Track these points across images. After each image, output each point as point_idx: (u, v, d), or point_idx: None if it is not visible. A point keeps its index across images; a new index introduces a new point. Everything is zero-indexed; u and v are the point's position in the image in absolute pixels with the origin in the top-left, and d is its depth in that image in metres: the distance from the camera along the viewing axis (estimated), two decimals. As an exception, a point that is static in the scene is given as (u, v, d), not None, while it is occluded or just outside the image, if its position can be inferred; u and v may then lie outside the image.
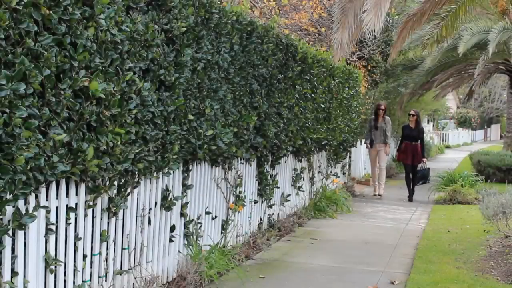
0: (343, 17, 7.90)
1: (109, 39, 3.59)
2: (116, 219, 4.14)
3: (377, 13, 7.00)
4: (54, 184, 3.42)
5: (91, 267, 3.90)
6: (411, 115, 11.45)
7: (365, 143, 12.54)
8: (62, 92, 3.20)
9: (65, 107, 3.24)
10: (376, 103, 12.41)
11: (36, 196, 3.27)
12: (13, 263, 3.15)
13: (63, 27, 3.22)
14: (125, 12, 3.85)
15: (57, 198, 3.48)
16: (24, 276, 3.24)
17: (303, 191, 8.77)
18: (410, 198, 11.31)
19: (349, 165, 12.96)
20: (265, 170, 7.03)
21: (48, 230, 3.40)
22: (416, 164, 11.45)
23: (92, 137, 3.50)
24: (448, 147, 32.95)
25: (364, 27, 7.11)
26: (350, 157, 12.69)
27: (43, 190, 3.31)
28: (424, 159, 11.51)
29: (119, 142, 3.70)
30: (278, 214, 7.81)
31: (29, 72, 2.92)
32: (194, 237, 5.29)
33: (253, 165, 6.74)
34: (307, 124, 8.05)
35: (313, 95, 8.21)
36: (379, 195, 11.59)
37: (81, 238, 3.73)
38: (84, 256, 3.79)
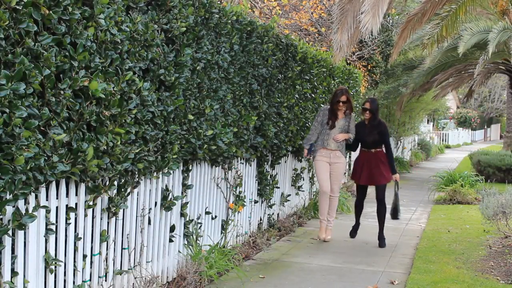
0: (343, 17, 7.90)
1: (109, 39, 3.59)
2: (116, 219, 4.14)
3: (375, 15, 6.99)
4: (54, 184, 3.42)
5: (91, 267, 3.90)
6: (364, 110, 7.02)
7: (302, 148, 7.62)
8: (62, 92, 3.20)
9: (65, 107, 3.24)
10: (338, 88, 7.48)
11: (36, 196, 3.27)
12: (13, 263, 3.15)
13: (63, 27, 3.22)
14: (125, 12, 3.85)
15: (57, 198, 3.48)
16: (24, 276, 3.24)
17: (303, 191, 8.77)
18: (352, 234, 7.29)
19: (349, 165, 12.96)
20: (265, 170, 7.03)
21: (48, 230, 3.40)
22: (381, 184, 6.94)
23: (92, 137, 3.50)
24: (448, 147, 32.98)
25: (362, 28, 7.11)
26: (350, 157, 12.69)
27: (43, 190, 3.31)
28: (396, 176, 7.04)
29: (119, 142, 3.70)
30: (278, 214, 7.81)
31: (29, 72, 2.92)
32: (194, 237, 5.29)
33: (253, 165, 6.74)
34: (307, 124, 8.05)
35: (313, 95, 8.22)
36: (324, 240, 7.00)
37: (81, 238, 3.73)
38: (84, 256, 3.79)
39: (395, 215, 7.28)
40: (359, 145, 7.17)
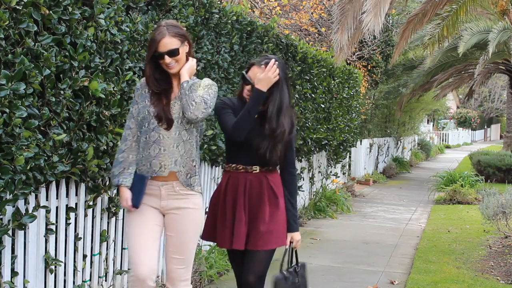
0: (343, 18, 7.91)
1: (109, 39, 3.59)
2: (116, 219, 4.14)
3: (377, 14, 7.00)
4: (54, 184, 3.42)
5: (91, 267, 3.90)
6: (245, 83, 3.14)
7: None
8: (62, 92, 3.20)
9: (65, 107, 3.24)
10: None
11: (36, 196, 3.27)
12: (13, 263, 3.15)
13: (63, 27, 3.22)
14: (125, 12, 3.85)
15: (57, 198, 3.48)
16: (24, 276, 3.24)
17: (303, 191, 8.76)
18: None
19: (349, 165, 12.96)
20: (265, 170, 7.01)
21: (48, 230, 3.40)
22: (262, 250, 3.39)
23: (92, 137, 3.50)
24: (448, 147, 32.99)
25: (364, 27, 7.11)
26: (350, 157, 12.69)
27: (43, 190, 3.31)
28: (294, 236, 3.29)
29: (119, 142, 3.70)
30: (278, 214, 7.78)
31: (29, 72, 2.92)
32: (194, 237, 5.27)
33: (253, 165, 6.72)
34: (307, 124, 8.05)
35: (313, 95, 8.21)
36: None
37: (81, 238, 3.73)
38: (84, 256, 3.79)
39: None
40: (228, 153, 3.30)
